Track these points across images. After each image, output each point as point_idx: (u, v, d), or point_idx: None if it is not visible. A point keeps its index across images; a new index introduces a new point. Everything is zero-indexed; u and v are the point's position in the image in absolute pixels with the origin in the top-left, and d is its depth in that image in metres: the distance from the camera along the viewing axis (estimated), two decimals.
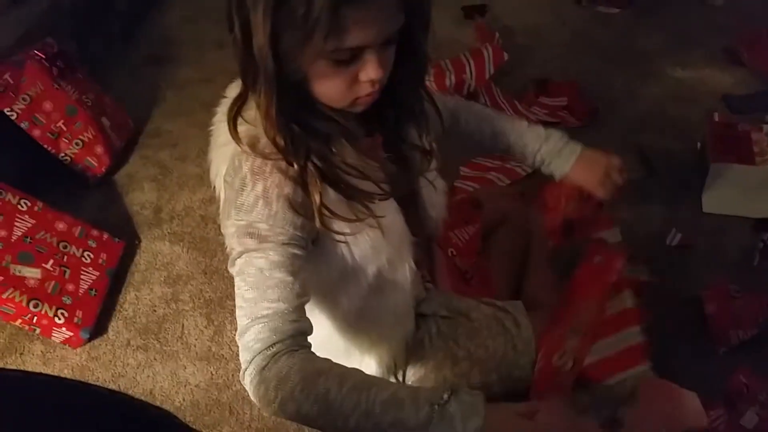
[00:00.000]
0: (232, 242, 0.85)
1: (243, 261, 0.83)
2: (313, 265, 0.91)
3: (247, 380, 0.81)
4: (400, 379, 1.15)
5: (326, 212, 0.86)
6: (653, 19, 2.60)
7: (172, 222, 1.92)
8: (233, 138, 0.85)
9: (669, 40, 2.47)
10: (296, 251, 0.84)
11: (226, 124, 0.87)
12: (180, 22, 2.97)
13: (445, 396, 0.74)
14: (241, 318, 0.83)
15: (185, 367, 1.52)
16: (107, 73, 2.51)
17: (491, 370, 1.12)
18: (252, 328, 0.81)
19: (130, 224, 1.92)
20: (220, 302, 1.66)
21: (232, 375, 1.49)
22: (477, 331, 1.15)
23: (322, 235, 0.90)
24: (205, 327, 1.61)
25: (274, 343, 0.80)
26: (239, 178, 0.84)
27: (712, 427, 1.27)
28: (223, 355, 1.53)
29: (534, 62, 2.42)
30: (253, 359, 0.80)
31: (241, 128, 0.86)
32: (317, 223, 0.86)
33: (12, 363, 1.56)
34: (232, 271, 0.85)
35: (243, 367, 0.82)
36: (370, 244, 0.94)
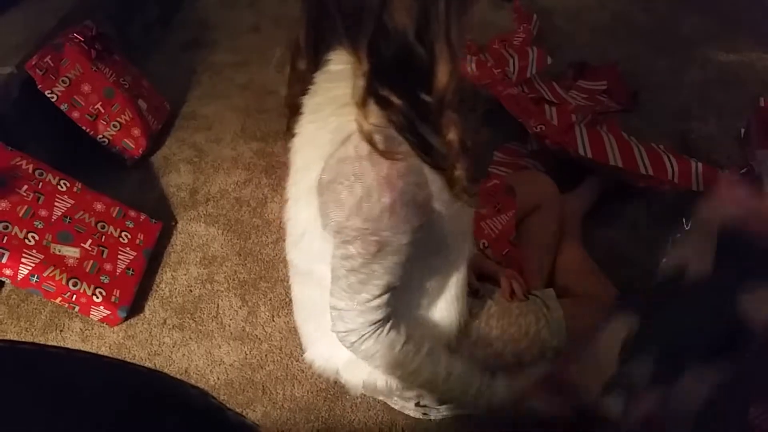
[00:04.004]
0: (348, 239, 0.83)
1: (360, 262, 0.85)
2: (414, 248, 0.90)
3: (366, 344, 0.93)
4: None
5: (462, 188, 0.84)
6: (695, 0, 2.52)
7: (208, 204, 1.94)
8: (360, 125, 0.77)
9: (712, 23, 2.40)
10: (412, 247, 0.86)
11: (337, 107, 0.82)
12: (216, 7, 2.99)
13: None
14: (340, 300, 0.90)
15: (220, 347, 1.54)
16: (144, 57, 2.54)
17: (524, 350, 1.11)
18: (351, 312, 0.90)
19: (167, 206, 1.95)
20: (254, 283, 1.67)
21: (266, 355, 1.50)
22: (507, 310, 1.15)
23: (428, 220, 0.88)
24: (240, 307, 1.62)
25: (379, 320, 0.91)
26: (363, 187, 0.78)
27: (755, 425, 1.24)
28: (256, 335, 1.55)
29: (573, 45, 2.37)
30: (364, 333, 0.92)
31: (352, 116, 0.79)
32: (447, 200, 0.86)
33: (52, 339, 1.60)
34: (341, 253, 0.86)
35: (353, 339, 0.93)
36: (458, 221, 0.95)
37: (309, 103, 0.89)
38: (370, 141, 0.76)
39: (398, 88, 0.77)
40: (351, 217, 0.81)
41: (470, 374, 1.02)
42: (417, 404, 1.28)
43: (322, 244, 0.90)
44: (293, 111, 0.92)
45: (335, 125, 0.81)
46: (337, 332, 0.95)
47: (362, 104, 0.76)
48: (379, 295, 0.89)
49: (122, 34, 2.42)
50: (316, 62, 0.88)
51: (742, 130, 1.84)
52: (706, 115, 2.01)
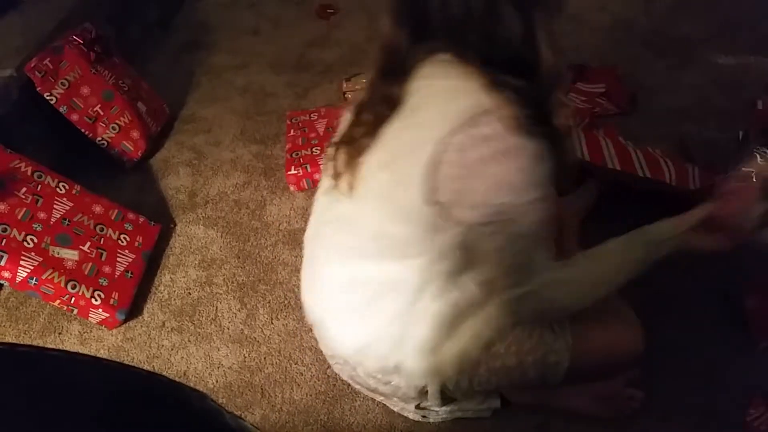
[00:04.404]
0: (529, 213, 0.87)
1: (526, 229, 0.89)
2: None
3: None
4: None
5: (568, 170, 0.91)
6: (696, 3, 2.53)
7: (206, 206, 1.94)
8: (499, 104, 0.83)
9: (711, 26, 2.40)
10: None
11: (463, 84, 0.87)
12: (216, 9, 2.99)
13: None
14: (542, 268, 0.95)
15: (218, 349, 1.54)
16: (144, 59, 2.54)
17: (528, 352, 1.10)
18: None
19: (165, 208, 1.95)
20: (253, 286, 1.67)
21: (265, 358, 1.50)
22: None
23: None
24: (239, 310, 1.62)
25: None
26: (514, 161, 0.84)
27: (753, 426, 1.24)
28: (255, 338, 1.55)
29: (572, 47, 2.38)
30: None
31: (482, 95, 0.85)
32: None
33: (51, 342, 1.60)
34: (509, 232, 0.89)
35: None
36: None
37: (409, 99, 0.92)
38: (507, 120, 0.82)
39: (513, 75, 0.85)
40: (523, 192, 0.85)
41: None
42: (417, 406, 1.28)
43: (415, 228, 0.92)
44: (380, 116, 0.94)
45: (456, 109, 0.85)
46: (539, 303, 0.99)
47: (487, 89, 0.84)
48: (543, 253, 0.95)
49: (121, 36, 2.42)
50: (410, 63, 0.92)
51: (741, 133, 1.85)
52: (705, 118, 2.01)
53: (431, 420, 1.31)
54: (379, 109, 0.95)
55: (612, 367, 1.21)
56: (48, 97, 1.88)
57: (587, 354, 1.12)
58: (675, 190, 1.58)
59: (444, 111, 0.87)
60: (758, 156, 1.04)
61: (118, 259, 1.66)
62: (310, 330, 1.54)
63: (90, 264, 1.59)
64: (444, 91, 0.89)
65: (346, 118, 1.07)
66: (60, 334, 1.62)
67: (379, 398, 1.34)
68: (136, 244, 1.72)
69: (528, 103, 0.84)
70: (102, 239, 1.66)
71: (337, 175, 1.02)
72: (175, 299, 1.68)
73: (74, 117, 1.93)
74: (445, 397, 1.17)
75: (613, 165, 1.60)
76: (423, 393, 1.15)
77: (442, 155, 0.84)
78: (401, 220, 0.93)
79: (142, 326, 1.62)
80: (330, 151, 1.06)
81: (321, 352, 1.47)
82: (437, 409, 1.29)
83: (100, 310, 1.57)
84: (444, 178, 0.86)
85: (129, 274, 1.65)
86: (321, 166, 1.91)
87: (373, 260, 1.01)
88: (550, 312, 1.05)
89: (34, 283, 1.51)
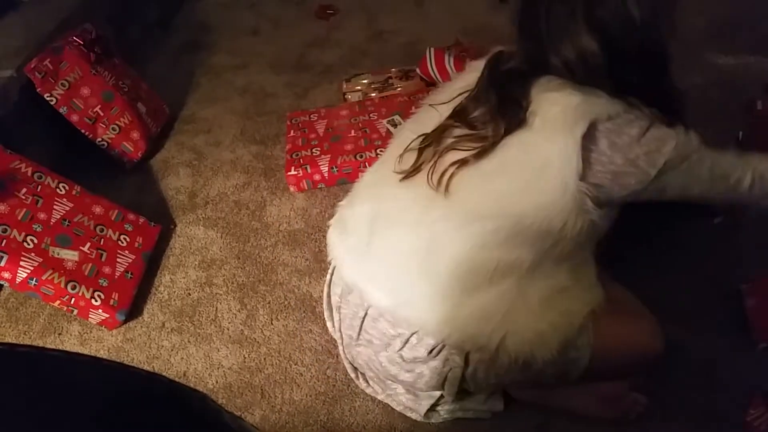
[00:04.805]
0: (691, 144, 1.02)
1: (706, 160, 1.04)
2: None
3: None
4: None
5: None
6: (696, 3, 2.52)
7: (207, 207, 1.94)
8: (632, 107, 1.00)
9: (711, 26, 2.40)
10: None
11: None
12: (215, 9, 2.99)
13: None
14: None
15: (218, 350, 1.54)
16: (144, 60, 2.54)
17: (551, 346, 1.09)
18: None
19: (165, 209, 1.95)
20: (253, 287, 1.67)
21: (264, 358, 1.50)
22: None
23: None
24: (238, 311, 1.62)
25: None
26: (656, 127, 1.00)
27: (753, 426, 1.24)
28: (255, 338, 1.55)
29: None
30: None
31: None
32: None
33: (51, 343, 1.60)
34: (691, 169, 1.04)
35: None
36: None
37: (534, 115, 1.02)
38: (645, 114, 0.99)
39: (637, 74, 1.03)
40: (678, 136, 1.00)
41: None
42: (430, 408, 1.28)
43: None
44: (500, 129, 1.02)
45: (604, 99, 0.99)
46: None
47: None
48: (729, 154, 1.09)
49: (121, 37, 2.42)
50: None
51: (741, 134, 1.84)
52: (704, 118, 2.00)
53: (432, 420, 1.31)
54: (493, 125, 1.02)
55: (630, 366, 1.21)
56: (48, 98, 1.88)
57: (607, 352, 1.12)
58: None
59: (589, 100, 0.98)
60: None
61: (118, 259, 1.66)
62: (310, 331, 1.54)
63: (90, 265, 1.59)
64: (581, 89, 0.99)
65: (430, 117, 1.14)
66: (60, 334, 1.62)
67: (381, 396, 1.34)
68: (136, 244, 1.72)
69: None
70: (102, 240, 1.66)
71: (426, 168, 1.08)
72: (175, 300, 1.68)
73: (74, 118, 1.94)
74: (460, 389, 1.17)
75: None
76: (443, 384, 1.15)
77: (595, 137, 0.97)
78: (545, 193, 0.99)
79: (142, 327, 1.62)
80: (428, 150, 1.10)
81: (321, 352, 1.48)
82: (440, 408, 1.29)
83: (100, 310, 1.57)
84: (599, 160, 0.98)
85: (129, 275, 1.65)
86: (333, 171, 1.91)
87: (486, 245, 1.04)
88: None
89: (34, 284, 1.51)
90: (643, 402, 1.28)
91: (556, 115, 0.98)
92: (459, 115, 1.09)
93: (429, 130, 1.12)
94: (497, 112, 1.03)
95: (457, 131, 1.08)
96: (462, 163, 1.03)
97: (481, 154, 1.02)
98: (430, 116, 1.15)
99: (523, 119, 1.01)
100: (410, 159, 1.11)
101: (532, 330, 1.07)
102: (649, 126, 0.98)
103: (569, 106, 0.98)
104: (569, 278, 1.09)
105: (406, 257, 1.10)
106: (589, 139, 0.97)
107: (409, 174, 1.10)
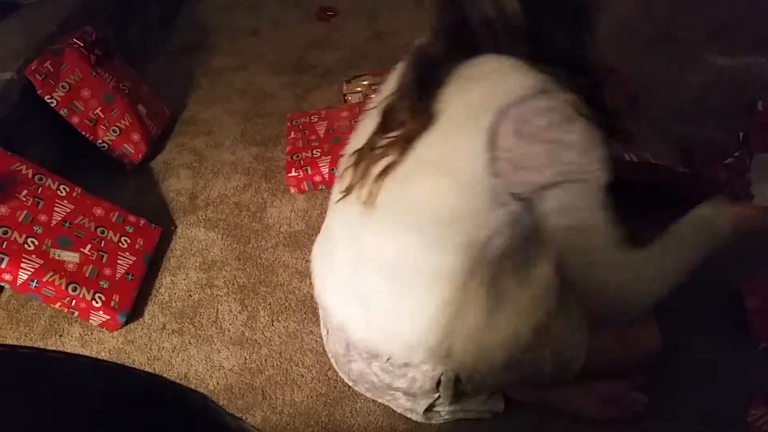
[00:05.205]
0: (590, 173, 0.89)
1: (601, 199, 0.91)
2: None
3: None
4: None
5: None
6: (695, 3, 2.53)
7: (207, 209, 1.94)
8: (555, 87, 0.89)
9: (712, 26, 2.40)
10: None
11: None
12: (215, 10, 2.99)
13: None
14: (613, 249, 0.95)
15: (219, 351, 1.54)
16: (144, 61, 2.54)
17: (544, 345, 1.09)
18: None
19: (166, 210, 1.95)
20: (254, 288, 1.67)
21: (265, 360, 1.50)
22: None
23: None
24: (239, 312, 1.62)
25: None
26: (581, 127, 0.88)
27: (754, 426, 1.24)
28: (256, 340, 1.55)
29: None
30: None
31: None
32: None
33: (52, 344, 1.60)
34: (591, 197, 0.90)
35: None
36: None
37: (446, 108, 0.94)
38: (566, 100, 0.88)
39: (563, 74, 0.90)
40: (587, 152, 0.88)
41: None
42: (427, 409, 1.28)
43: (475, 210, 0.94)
44: (411, 131, 0.96)
45: (511, 85, 0.89)
46: (619, 295, 0.98)
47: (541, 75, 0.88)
48: (616, 226, 0.94)
49: (121, 38, 2.42)
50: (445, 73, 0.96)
51: (741, 134, 1.85)
52: (705, 119, 2.01)
53: (433, 422, 1.31)
54: (410, 123, 0.96)
55: (629, 365, 1.21)
56: (49, 100, 1.88)
57: (604, 351, 1.12)
58: (666, 175, 1.59)
59: (498, 86, 0.90)
60: None
61: (119, 261, 1.66)
62: (311, 332, 1.54)
63: (91, 266, 1.60)
64: (496, 72, 0.92)
65: (365, 126, 1.08)
66: (61, 336, 1.62)
67: (382, 400, 1.34)
68: (137, 246, 1.72)
69: (581, 94, 0.89)
70: (103, 241, 1.66)
71: (357, 185, 1.04)
72: (175, 301, 1.68)
73: (75, 120, 1.94)
74: (456, 392, 1.17)
75: None
76: (437, 386, 1.15)
77: (501, 125, 0.87)
78: (460, 193, 0.93)
79: (142, 328, 1.62)
80: (347, 159, 1.07)
81: (322, 354, 1.47)
82: (441, 409, 1.29)
83: (101, 312, 1.57)
84: (504, 148, 0.88)
85: (130, 277, 1.65)
86: (333, 173, 1.91)
87: (417, 253, 1.01)
88: (604, 298, 1.00)
89: (35, 286, 1.51)
90: (642, 402, 1.27)
91: (463, 108, 0.92)
92: (386, 118, 1.03)
93: (365, 140, 1.07)
94: (414, 109, 0.97)
95: (384, 140, 1.01)
96: (384, 172, 0.99)
97: (398, 159, 0.98)
98: (364, 125, 1.10)
99: (433, 114, 0.94)
100: (348, 176, 1.08)
101: (475, 342, 1.03)
102: (561, 120, 0.88)
103: (479, 95, 0.91)
104: (516, 287, 1.02)
105: (346, 278, 1.11)
106: (497, 126, 0.88)
107: (346, 194, 1.07)
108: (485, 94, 0.91)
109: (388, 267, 1.03)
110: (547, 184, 0.89)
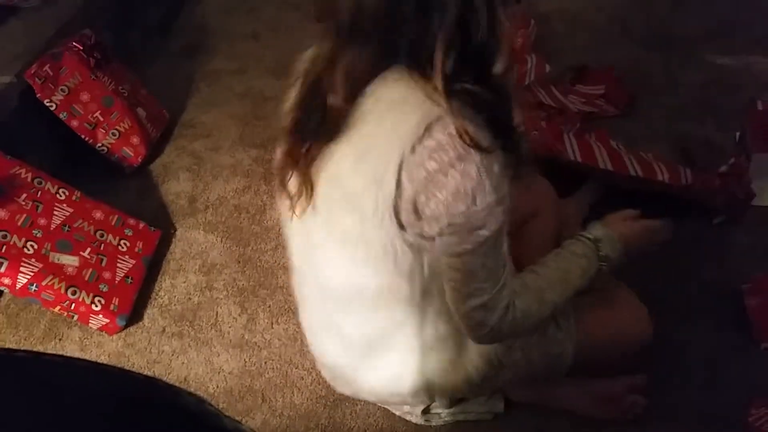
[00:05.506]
0: (477, 223, 0.84)
1: (491, 242, 0.87)
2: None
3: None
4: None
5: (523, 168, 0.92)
6: (695, 3, 2.53)
7: (207, 212, 1.94)
8: (450, 112, 0.81)
9: (711, 26, 2.40)
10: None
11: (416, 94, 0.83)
12: (214, 13, 2.99)
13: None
14: (483, 293, 0.91)
15: (219, 355, 1.54)
16: (143, 64, 2.54)
17: (533, 345, 1.10)
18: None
19: (166, 213, 1.95)
20: (253, 291, 1.67)
21: (265, 362, 1.50)
22: None
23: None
24: (239, 315, 1.62)
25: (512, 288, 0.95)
26: (473, 170, 0.82)
27: (755, 426, 1.23)
28: (256, 342, 1.55)
29: (571, 49, 2.38)
30: None
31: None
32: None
33: (51, 348, 1.60)
34: (472, 242, 0.86)
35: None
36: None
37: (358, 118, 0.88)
38: (455, 130, 0.80)
39: (468, 81, 0.82)
40: (476, 200, 0.83)
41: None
42: (424, 411, 1.28)
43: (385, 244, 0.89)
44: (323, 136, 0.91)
45: (406, 125, 0.82)
46: (488, 329, 0.93)
47: (434, 97, 0.81)
48: (506, 263, 0.92)
49: (120, 42, 2.42)
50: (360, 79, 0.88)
51: (738, 134, 1.85)
52: (704, 118, 2.01)
53: (433, 423, 1.31)
54: (322, 128, 0.91)
55: (621, 353, 1.21)
56: (48, 104, 1.88)
57: (594, 341, 1.13)
58: (669, 189, 1.60)
59: (394, 128, 0.84)
60: None
61: (119, 264, 1.66)
62: None
63: (90, 270, 1.59)
64: (390, 107, 0.85)
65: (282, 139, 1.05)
66: (60, 340, 1.62)
67: (381, 403, 1.34)
68: (137, 249, 1.72)
69: (482, 107, 0.83)
70: (102, 245, 1.66)
71: (291, 199, 1.02)
72: (175, 304, 1.68)
73: (74, 123, 1.94)
74: (453, 399, 1.18)
75: (605, 165, 1.62)
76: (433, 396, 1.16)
77: (403, 172, 0.83)
78: (370, 228, 0.89)
79: (142, 332, 1.62)
80: (279, 174, 1.06)
81: None
82: (440, 411, 1.29)
83: (101, 315, 1.57)
84: (406, 199, 0.84)
85: (129, 280, 1.65)
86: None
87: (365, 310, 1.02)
88: (519, 324, 0.97)
89: (35, 290, 1.51)
90: (642, 403, 1.28)
91: (374, 140, 0.86)
92: (294, 130, 1.00)
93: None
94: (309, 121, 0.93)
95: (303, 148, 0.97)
96: (301, 179, 0.97)
97: (310, 170, 0.95)
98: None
99: (347, 127, 0.88)
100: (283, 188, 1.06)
101: (419, 372, 1.04)
102: (451, 159, 0.81)
103: (385, 131, 0.85)
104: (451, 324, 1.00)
105: (321, 318, 1.14)
106: (400, 174, 0.83)
107: (291, 212, 1.04)
108: (382, 140, 0.85)
109: (348, 300, 1.04)
110: (445, 233, 0.86)
